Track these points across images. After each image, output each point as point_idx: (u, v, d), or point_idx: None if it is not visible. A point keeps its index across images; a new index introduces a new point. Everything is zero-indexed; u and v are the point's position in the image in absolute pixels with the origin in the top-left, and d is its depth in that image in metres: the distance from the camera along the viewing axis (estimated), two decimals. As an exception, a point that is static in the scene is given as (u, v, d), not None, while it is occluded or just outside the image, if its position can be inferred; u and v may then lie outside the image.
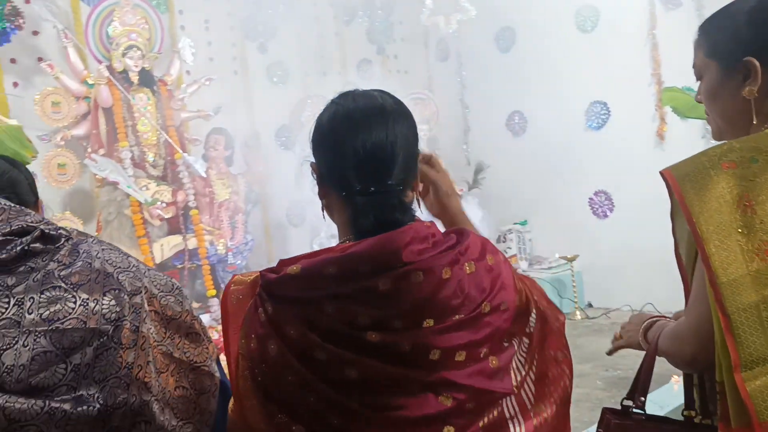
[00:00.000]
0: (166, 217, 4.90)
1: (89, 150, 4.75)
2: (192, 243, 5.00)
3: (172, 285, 1.36)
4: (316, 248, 1.28)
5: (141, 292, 1.25)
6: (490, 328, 1.09)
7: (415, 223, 1.12)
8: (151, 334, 1.25)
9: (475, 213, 5.66)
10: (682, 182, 1.18)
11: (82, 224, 4.73)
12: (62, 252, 1.21)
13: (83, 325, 1.14)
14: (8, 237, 1.18)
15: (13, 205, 1.26)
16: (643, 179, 5.12)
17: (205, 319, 4.86)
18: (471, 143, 7.16)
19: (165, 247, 4.87)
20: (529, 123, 6.65)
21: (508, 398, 1.11)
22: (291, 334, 1.05)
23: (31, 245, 1.18)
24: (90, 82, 4.77)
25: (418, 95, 6.76)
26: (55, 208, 4.79)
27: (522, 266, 6.48)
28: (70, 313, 1.14)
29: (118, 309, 1.19)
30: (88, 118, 4.81)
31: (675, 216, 1.26)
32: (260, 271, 1.13)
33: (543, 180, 6.16)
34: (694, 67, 1.33)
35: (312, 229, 5.89)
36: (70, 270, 1.17)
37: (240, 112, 5.82)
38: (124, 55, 4.85)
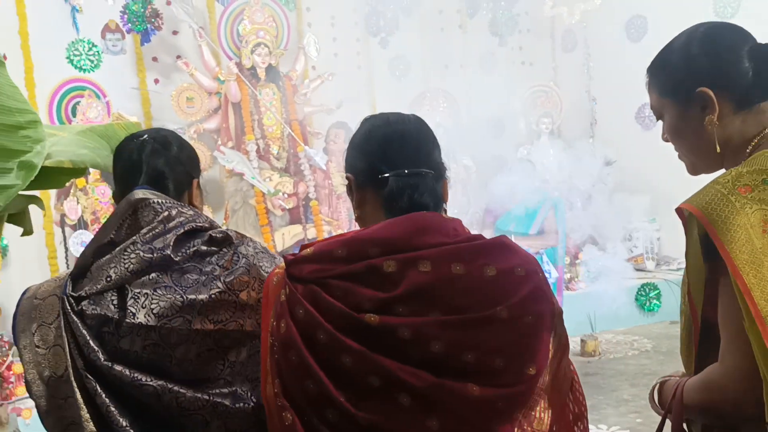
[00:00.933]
0: (288, 207, 5.10)
1: (219, 142, 5.01)
2: (311, 233, 5.17)
3: None
4: None
5: None
6: (508, 335, 1.03)
7: (437, 213, 1.13)
8: None
9: (603, 209, 5.45)
10: (708, 213, 1.09)
11: (212, 212, 5.01)
12: (226, 258, 1.32)
13: (241, 328, 1.27)
14: (181, 237, 1.30)
15: (179, 204, 1.35)
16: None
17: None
18: (598, 136, 6.89)
19: (286, 236, 5.07)
20: (660, 116, 6.31)
21: None
22: (299, 314, 1.07)
23: (201, 247, 1.31)
24: (221, 78, 5.03)
25: (541, 88, 6.59)
26: (188, 197, 5.09)
27: (648, 266, 6.17)
28: (231, 317, 1.27)
29: None
30: (218, 113, 5.09)
31: (689, 253, 1.17)
32: (284, 255, 1.17)
33: (674, 176, 5.78)
34: (651, 108, 1.31)
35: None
36: (232, 277, 1.29)
37: (361, 106, 5.93)
38: (252, 52, 5.08)
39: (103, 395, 1.22)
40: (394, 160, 1.15)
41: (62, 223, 4.65)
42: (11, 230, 1.79)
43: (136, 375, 1.21)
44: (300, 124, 5.27)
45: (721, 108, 1.17)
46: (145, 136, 1.44)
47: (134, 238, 1.28)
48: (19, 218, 1.68)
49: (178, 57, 5.13)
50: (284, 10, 5.47)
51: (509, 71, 6.56)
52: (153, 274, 1.26)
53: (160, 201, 1.33)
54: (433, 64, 6.33)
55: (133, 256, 1.26)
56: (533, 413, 1.07)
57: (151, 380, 1.22)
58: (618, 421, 3.60)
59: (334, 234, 5.16)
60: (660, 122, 1.28)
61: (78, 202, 4.52)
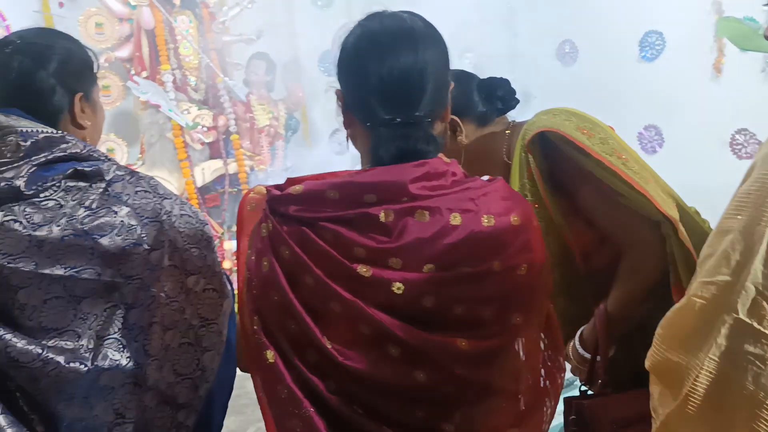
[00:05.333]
0: (207, 141, 4.93)
1: (132, 72, 4.76)
2: (232, 168, 5.04)
3: (201, 236, 1.31)
4: None
5: (163, 246, 1.24)
6: (498, 286, 1.03)
7: (435, 159, 1.06)
8: (164, 291, 1.24)
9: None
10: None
11: (126, 146, 4.80)
12: (93, 196, 1.19)
13: (98, 277, 1.16)
14: (38, 168, 1.17)
15: (53, 132, 1.22)
16: (696, 114, 4.87)
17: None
18: (518, 71, 6.94)
19: (206, 171, 4.92)
20: (580, 52, 6.40)
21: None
22: (285, 255, 1.03)
23: (62, 181, 1.18)
24: (132, 3, 4.74)
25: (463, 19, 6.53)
26: (100, 130, 4.85)
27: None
28: (85, 264, 1.14)
29: (132, 266, 1.18)
30: (131, 40, 4.81)
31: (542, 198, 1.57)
32: (266, 186, 1.11)
33: (592, 112, 5.92)
34: None
35: (354, 158, 5.84)
36: (94, 219, 1.16)
37: (282, 37, 5.72)
38: (165, -25, 4.79)
39: None
40: (383, 99, 1.05)
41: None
42: None
43: None
44: (218, 54, 5.07)
45: (467, 127, 1.59)
46: (11, 47, 1.27)
47: None
48: None
49: (84, -22, 4.78)
50: (199, -71, 5.16)
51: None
52: (2, 206, 1.14)
53: (28, 129, 1.19)
54: (357, -5, 6.16)
55: None
56: (510, 359, 1.08)
57: None
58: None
59: (256, 169, 5.07)
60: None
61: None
